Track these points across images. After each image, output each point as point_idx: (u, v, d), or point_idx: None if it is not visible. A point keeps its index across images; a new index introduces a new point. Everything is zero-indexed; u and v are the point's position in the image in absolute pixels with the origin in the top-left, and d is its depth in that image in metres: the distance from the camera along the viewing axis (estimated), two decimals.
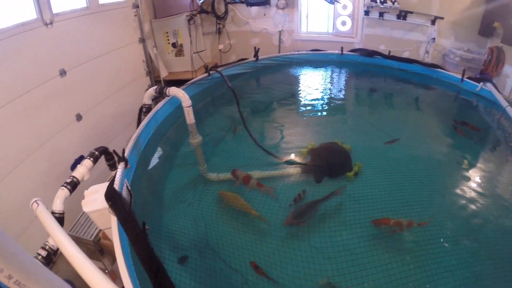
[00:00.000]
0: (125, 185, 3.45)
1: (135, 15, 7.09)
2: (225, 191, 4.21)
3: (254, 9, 8.98)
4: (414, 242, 3.83)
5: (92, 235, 4.01)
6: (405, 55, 9.55)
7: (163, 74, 8.15)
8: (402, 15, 9.13)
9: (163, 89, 4.45)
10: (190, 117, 4.45)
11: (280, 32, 9.26)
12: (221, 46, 9.32)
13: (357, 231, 3.84)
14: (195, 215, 4.01)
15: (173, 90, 4.39)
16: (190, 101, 4.38)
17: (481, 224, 4.27)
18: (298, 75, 8.48)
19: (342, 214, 4.06)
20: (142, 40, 7.40)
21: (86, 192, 3.27)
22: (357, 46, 9.24)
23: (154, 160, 4.93)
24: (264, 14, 9.06)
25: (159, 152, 5.14)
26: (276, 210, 4.01)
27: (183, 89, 5.33)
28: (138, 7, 7.03)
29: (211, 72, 6.59)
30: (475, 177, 5.41)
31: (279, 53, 8.98)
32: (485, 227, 4.25)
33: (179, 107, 4.84)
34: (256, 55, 7.83)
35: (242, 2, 8.59)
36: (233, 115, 5.51)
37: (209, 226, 3.88)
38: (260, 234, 3.77)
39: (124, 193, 3.33)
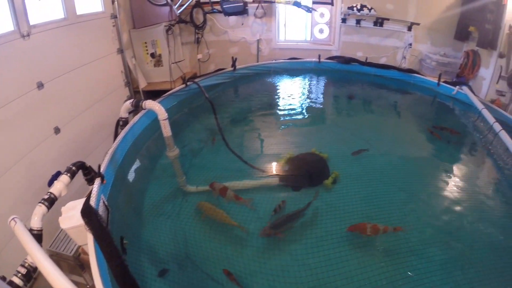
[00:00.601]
0: (101, 201, 3.47)
1: (113, 26, 7.12)
2: (204, 202, 4.26)
3: (232, 18, 9.08)
4: (390, 247, 3.91)
5: (72, 251, 4.06)
6: (382, 61, 9.75)
7: (142, 84, 8.16)
8: (379, 22, 9.34)
9: (139, 102, 4.48)
10: (166, 130, 4.48)
11: (258, 41, 9.39)
12: (199, 56, 9.36)
13: (335, 238, 3.92)
14: (174, 227, 4.06)
15: (149, 104, 4.42)
16: (166, 114, 4.41)
17: (458, 227, 4.39)
18: (276, 84, 8.58)
19: (320, 222, 4.15)
20: (121, 51, 7.41)
21: (63, 209, 3.29)
22: (334, 54, 9.44)
23: (132, 174, 4.94)
24: (242, 24, 9.18)
25: (137, 165, 5.16)
26: (255, 219, 4.09)
27: (159, 102, 5.35)
28: (117, 17, 7.06)
29: (188, 83, 6.65)
30: (452, 180, 5.56)
31: (258, 61, 9.13)
32: (463, 230, 4.37)
33: (156, 120, 4.84)
34: (233, 64, 7.92)
35: (220, 12, 8.63)
36: (211, 126, 5.57)
37: (188, 238, 3.92)
38: (239, 244, 3.84)
39: (101, 209, 3.36)
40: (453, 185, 5.49)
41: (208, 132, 6.00)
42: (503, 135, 6.27)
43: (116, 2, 6.96)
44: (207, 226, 4.05)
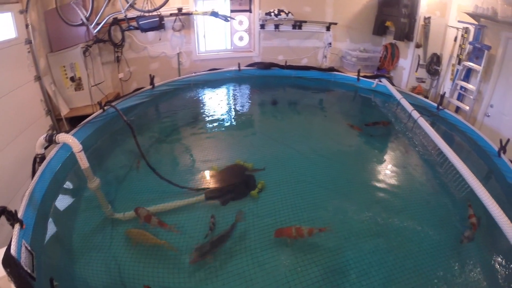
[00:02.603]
0: (23, 246, 3.42)
1: (29, 52, 6.80)
2: (131, 229, 4.31)
3: (151, 33, 9.10)
4: (318, 247, 4.22)
5: None
6: (304, 62, 10.28)
7: (64, 111, 7.86)
8: (297, 25, 9.84)
9: (53, 136, 4.43)
10: (83, 162, 4.37)
11: (178, 54, 9.46)
12: (121, 75, 9.21)
13: (264, 246, 4.18)
14: (107, 259, 4.06)
15: (62, 137, 4.37)
16: (80, 146, 4.32)
17: (382, 219, 4.79)
18: (198, 97, 8.63)
19: (248, 232, 4.37)
20: (38, 78, 7.10)
21: None
22: (256, 60, 9.82)
23: (56, 212, 4.75)
24: (160, 39, 9.22)
25: (60, 201, 4.97)
26: (188, 238, 4.26)
27: (77, 131, 5.37)
28: (31, 42, 6.76)
29: (106, 107, 6.57)
30: (376, 171, 6.09)
31: (179, 75, 9.20)
32: (387, 222, 4.78)
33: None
34: (152, 82, 7.93)
35: (138, 28, 8.57)
36: (135, 149, 5.42)
37: (122, 267, 3.94)
38: (172, 263, 3.96)
39: (24, 255, 3.32)
40: (378, 176, 5.96)
41: (132, 156, 5.95)
42: (421, 121, 6.94)
43: (30, 26, 6.71)
44: (140, 252, 4.09)
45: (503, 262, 4.25)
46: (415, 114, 7.32)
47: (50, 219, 4.56)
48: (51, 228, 4.45)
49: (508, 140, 6.17)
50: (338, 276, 3.87)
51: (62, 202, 5.00)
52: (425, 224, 4.82)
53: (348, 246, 4.30)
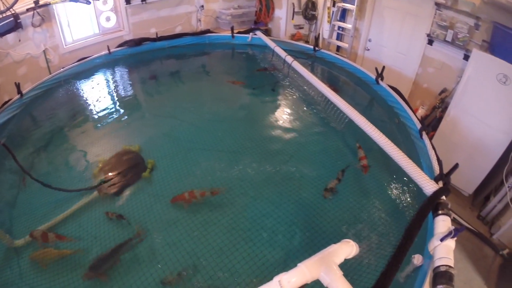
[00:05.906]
0: None
1: None
2: (34, 252, 4.22)
3: (9, 36, 8.24)
4: (219, 207, 4.57)
5: None
6: (178, 30, 10.29)
7: None
8: None
9: None
10: None
11: (44, 51, 8.81)
12: None
13: (167, 223, 4.38)
14: None
15: None
16: None
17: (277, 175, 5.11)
18: (72, 92, 8.15)
19: (149, 212, 4.57)
20: None
21: None
22: (127, 38, 9.56)
23: None
24: (19, 40, 8.42)
25: None
26: (93, 239, 4.32)
27: None
28: None
29: None
30: (265, 125, 6.45)
31: (50, 73, 8.60)
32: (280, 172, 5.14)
33: None
34: (19, 91, 7.31)
35: None
36: (16, 168, 5.15)
37: None
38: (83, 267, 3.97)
39: None
40: (266, 127, 6.38)
41: (16, 175, 5.55)
42: (296, 64, 7.52)
43: None
44: (52, 270, 4.03)
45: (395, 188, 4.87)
46: (289, 59, 7.81)
47: None
48: None
49: (383, 67, 6.80)
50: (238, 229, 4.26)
51: None
52: (315, 167, 5.26)
53: (247, 200, 4.68)
